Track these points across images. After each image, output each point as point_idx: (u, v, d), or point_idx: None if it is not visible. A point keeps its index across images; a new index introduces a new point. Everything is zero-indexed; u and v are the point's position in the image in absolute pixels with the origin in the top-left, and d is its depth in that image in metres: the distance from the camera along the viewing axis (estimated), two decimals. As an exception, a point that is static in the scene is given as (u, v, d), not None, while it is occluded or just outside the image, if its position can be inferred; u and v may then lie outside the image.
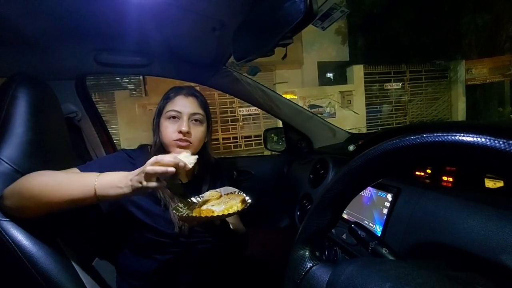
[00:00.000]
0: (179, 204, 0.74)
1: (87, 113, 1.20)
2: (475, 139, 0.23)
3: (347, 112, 6.74)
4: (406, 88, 7.20)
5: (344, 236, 0.70)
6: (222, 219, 0.74)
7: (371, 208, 0.64)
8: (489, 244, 0.38)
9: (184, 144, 0.83)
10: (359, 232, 0.46)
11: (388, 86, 7.08)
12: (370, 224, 0.63)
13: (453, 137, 0.24)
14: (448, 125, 0.26)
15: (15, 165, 0.68)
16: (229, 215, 0.67)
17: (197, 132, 0.86)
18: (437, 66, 7.34)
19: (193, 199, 0.78)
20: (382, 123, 7.16)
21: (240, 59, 0.68)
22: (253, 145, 6.67)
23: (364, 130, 6.49)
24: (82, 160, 1.09)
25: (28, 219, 0.63)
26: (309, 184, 1.03)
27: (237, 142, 6.67)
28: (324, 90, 6.86)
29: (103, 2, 0.77)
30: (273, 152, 1.67)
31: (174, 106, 0.85)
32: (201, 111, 0.88)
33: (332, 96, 6.68)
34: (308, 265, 0.41)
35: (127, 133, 5.69)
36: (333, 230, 0.74)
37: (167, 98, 0.88)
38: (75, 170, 0.73)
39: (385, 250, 0.42)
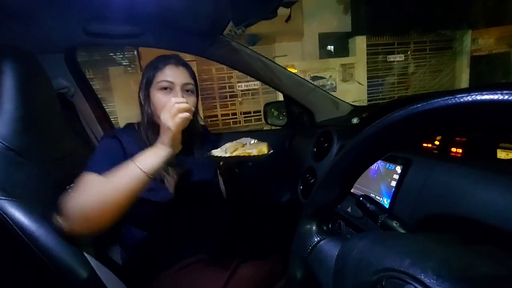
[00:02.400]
0: (209, 153, 0.81)
1: (79, 88, 1.15)
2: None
3: (348, 85, 6.61)
4: (409, 60, 7.01)
5: (349, 209, 0.69)
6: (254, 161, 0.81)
7: (378, 181, 0.62)
8: (508, 216, 0.36)
9: None
10: (368, 205, 0.44)
11: (391, 58, 6.89)
12: (377, 197, 0.62)
13: (481, 96, 0.21)
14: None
15: (7, 143, 0.66)
16: (262, 156, 0.78)
17: (190, 102, 0.83)
18: (442, 36, 7.09)
19: (216, 151, 0.82)
20: (383, 96, 7.05)
21: (239, 24, 0.62)
22: (253, 121, 6.62)
23: (365, 104, 6.41)
24: (79, 137, 1.06)
25: (26, 199, 0.61)
26: (312, 158, 1.01)
27: (236, 118, 6.61)
28: (325, 63, 6.68)
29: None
30: (273, 127, 1.64)
31: (166, 76, 0.81)
32: (191, 81, 0.85)
33: (333, 70, 6.52)
34: (316, 239, 0.39)
35: (124, 111, 5.61)
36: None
37: (155, 67, 0.83)
38: (89, 176, 0.68)
39: (396, 223, 0.40)
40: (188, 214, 0.87)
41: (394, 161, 0.60)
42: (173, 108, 0.69)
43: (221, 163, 0.93)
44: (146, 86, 0.84)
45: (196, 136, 0.97)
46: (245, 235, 0.85)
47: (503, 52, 7.00)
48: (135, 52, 6.19)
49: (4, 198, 0.59)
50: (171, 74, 0.82)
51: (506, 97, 0.20)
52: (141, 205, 0.78)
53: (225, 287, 0.72)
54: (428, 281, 0.21)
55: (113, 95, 5.88)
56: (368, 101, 6.84)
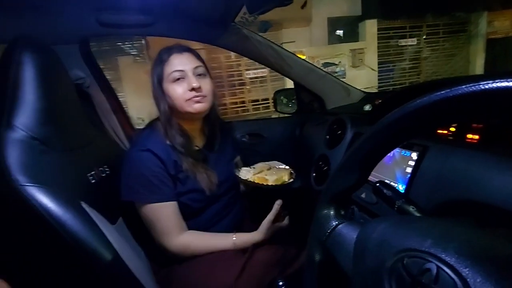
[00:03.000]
0: (239, 169, 0.96)
1: (94, 79, 1.17)
2: None
3: (358, 71, 6.46)
4: (422, 44, 6.77)
5: (363, 195, 0.70)
6: (266, 190, 0.90)
7: (393, 167, 0.63)
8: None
9: (198, 99, 0.82)
10: (385, 190, 0.45)
11: (402, 42, 6.66)
12: (392, 183, 0.62)
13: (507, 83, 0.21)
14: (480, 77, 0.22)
15: (31, 132, 0.68)
16: (280, 186, 0.87)
17: (206, 84, 0.85)
18: (456, 19, 6.79)
19: (247, 168, 0.97)
20: (394, 82, 6.87)
21: (254, 11, 0.62)
22: (261, 108, 6.58)
23: (375, 90, 6.28)
24: (96, 127, 1.10)
25: (52, 185, 0.64)
26: (325, 145, 1.01)
27: (245, 106, 6.59)
28: (334, 48, 6.52)
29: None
30: (281, 115, 1.64)
31: (174, 67, 0.82)
32: (200, 63, 0.86)
33: (343, 55, 6.37)
34: (334, 223, 0.41)
35: (135, 101, 5.64)
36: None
37: (161, 61, 0.84)
38: (190, 235, 0.86)
39: (413, 208, 0.41)
40: (211, 203, 0.91)
41: (409, 147, 0.60)
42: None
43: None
44: (158, 82, 0.85)
45: (215, 126, 0.98)
46: (259, 220, 0.88)
47: (521, 34, 6.70)
48: (143, 41, 6.18)
49: (32, 184, 0.62)
50: (179, 63, 0.82)
51: None
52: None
53: (243, 269, 0.75)
54: (449, 259, 0.23)
55: (122, 85, 5.91)
56: (379, 87, 6.68)
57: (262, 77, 6.50)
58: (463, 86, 0.24)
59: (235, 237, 0.84)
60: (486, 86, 0.22)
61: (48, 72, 0.75)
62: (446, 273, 0.22)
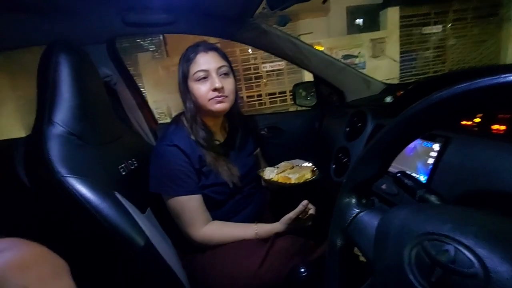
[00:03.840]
0: (263, 168, 1.02)
1: (121, 76, 1.23)
2: None
3: (378, 62, 6.25)
4: (447, 31, 6.42)
5: (384, 186, 0.71)
6: (289, 189, 0.96)
7: (415, 159, 0.63)
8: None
9: (220, 99, 0.85)
10: (406, 180, 0.46)
11: (427, 29, 6.34)
12: (412, 174, 0.62)
13: None
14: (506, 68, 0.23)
15: (69, 128, 0.74)
16: (302, 183, 0.91)
17: (229, 84, 0.87)
18: (486, 2, 6.36)
19: (271, 167, 1.02)
20: (417, 72, 6.59)
21: (275, 7, 0.63)
22: (278, 102, 6.56)
23: (396, 81, 6.06)
24: (123, 122, 1.16)
25: (89, 177, 0.70)
26: (345, 138, 1.02)
27: (261, 99, 6.59)
28: (353, 39, 6.33)
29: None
30: (299, 108, 1.64)
31: (199, 66, 0.85)
32: (225, 63, 0.88)
33: (362, 45, 6.17)
34: (355, 211, 0.42)
35: (154, 96, 5.81)
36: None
37: (187, 60, 0.87)
38: (211, 226, 0.90)
39: (434, 197, 0.42)
40: (233, 195, 0.95)
41: (431, 139, 0.60)
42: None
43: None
44: (183, 80, 0.88)
45: (237, 121, 1.02)
46: (280, 211, 0.91)
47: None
48: (161, 38, 6.30)
49: (71, 176, 0.68)
50: (203, 62, 0.85)
51: None
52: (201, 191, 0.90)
53: (265, 257, 0.79)
54: (467, 242, 0.24)
55: (142, 80, 6.09)
56: (401, 77, 6.44)
57: (279, 70, 6.46)
58: (485, 79, 0.25)
59: (256, 227, 0.88)
60: (508, 79, 0.23)
61: (82, 72, 0.80)
62: (464, 254, 0.24)
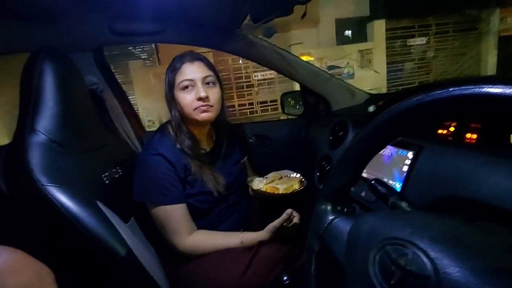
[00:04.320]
0: (251, 178, 1.03)
1: (107, 84, 1.23)
2: (503, 90, 0.22)
3: (366, 72, 6.42)
4: (431, 43, 6.68)
5: (363, 194, 0.73)
6: (277, 199, 0.95)
7: (391, 166, 0.65)
8: (508, 196, 0.39)
9: (205, 108, 0.86)
10: (379, 188, 0.48)
11: (411, 41, 6.59)
12: (389, 181, 0.65)
13: (480, 89, 0.24)
14: (472, 80, 0.25)
15: (51, 135, 0.73)
16: (290, 194, 0.92)
17: (214, 93, 0.88)
18: (467, 17, 6.66)
19: (259, 178, 1.03)
20: (403, 82, 6.80)
21: (257, 20, 0.66)
22: (269, 110, 6.61)
23: (384, 90, 6.22)
24: (109, 130, 1.15)
25: (70, 185, 0.69)
26: (328, 146, 1.04)
27: (253, 108, 6.63)
28: (342, 49, 6.50)
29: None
30: (289, 116, 1.67)
31: (185, 76, 0.86)
32: (211, 73, 0.89)
33: (351, 56, 6.34)
34: (330, 218, 0.44)
35: (145, 103, 5.77)
36: (352, 188, 0.77)
37: (173, 69, 0.88)
38: (198, 234, 0.90)
39: (405, 204, 0.44)
40: (218, 204, 0.95)
41: (406, 147, 0.62)
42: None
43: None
44: (169, 89, 0.89)
45: (223, 130, 1.03)
46: (265, 219, 0.91)
47: (536, 31, 6.53)
48: (153, 45, 6.30)
49: (52, 184, 0.68)
50: (189, 72, 0.86)
51: (497, 90, 0.23)
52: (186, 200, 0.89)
53: (249, 265, 0.79)
54: (423, 245, 0.26)
55: (133, 88, 6.05)
56: (388, 87, 6.62)
57: (270, 79, 6.54)
58: (436, 92, 0.27)
59: (242, 235, 0.88)
60: (454, 93, 0.25)
61: (66, 80, 0.80)
62: (420, 257, 0.25)
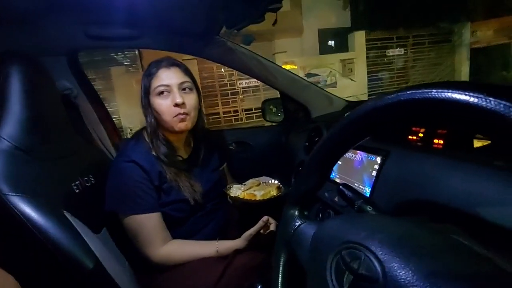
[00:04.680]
0: (230, 185, 1.02)
1: (82, 89, 1.19)
2: (447, 94, 0.23)
3: (348, 80, 6.61)
4: (408, 54, 6.99)
5: (336, 199, 0.73)
6: (255, 206, 0.94)
7: (362, 171, 0.67)
8: (468, 199, 0.40)
9: (182, 117, 0.85)
10: (346, 192, 0.48)
11: (390, 52, 6.88)
12: (360, 186, 0.66)
13: (425, 94, 0.24)
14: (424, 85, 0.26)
15: (15, 142, 0.70)
16: (267, 200, 0.92)
17: (191, 100, 0.87)
18: (441, 30, 7.06)
19: (238, 184, 1.02)
20: (383, 90, 7.05)
21: (231, 27, 0.66)
22: (254, 117, 6.65)
23: (365, 98, 6.41)
24: (82, 137, 1.11)
25: (35, 195, 0.66)
26: (305, 152, 1.05)
27: (238, 115, 6.65)
28: (324, 58, 6.69)
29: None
30: (271, 123, 1.68)
31: (160, 81, 0.84)
32: (187, 79, 0.88)
33: (333, 65, 6.52)
34: (297, 223, 0.44)
35: (126, 110, 5.67)
36: (326, 194, 0.77)
37: (149, 74, 0.87)
38: (173, 244, 0.87)
39: (369, 207, 0.44)
40: (195, 212, 0.93)
41: (375, 152, 0.64)
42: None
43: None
44: (145, 94, 0.88)
45: (201, 137, 1.01)
46: (243, 226, 0.90)
47: (503, 43, 6.96)
48: (137, 52, 6.23)
49: (14, 194, 0.64)
50: (165, 77, 0.85)
51: (444, 95, 0.24)
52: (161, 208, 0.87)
53: (223, 274, 0.77)
54: (374, 248, 0.26)
55: (115, 95, 5.93)
56: (369, 95, 6.83)
57: (255, 86, 6.60)
58: (387, 97, 0.27)
59: (217, 244, 0.86)
60: (401, 98, 0.26)
61: (34, 84, 0.77)
62: (370, 259, 0.25)
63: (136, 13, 0.99)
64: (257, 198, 0.93)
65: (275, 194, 0.95)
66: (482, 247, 0.29)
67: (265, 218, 0.85)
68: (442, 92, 0.22)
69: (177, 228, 0.90)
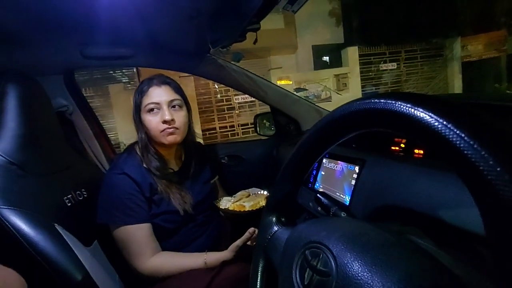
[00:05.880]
0: (220, 198, 1.04)
1: (78, 106, 1.23)
2: (383, 102, 0.26)
3: (343, 94, 6.73)
4: (401, 68, 7.17)
5: (319, 208, 0.75)
6: (244, 217, 0.96)
7: (342, 181, 0.69)
8: (430, 203, 0.43)
9: (171, 130, 0.88)
10: (323, 200, 0.51)
11: (383, 66, 7.05)
12: (341, 195, 0.68)
13: (366, 105, 0.27)
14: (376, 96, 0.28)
15: (10, 157, 0.73)
16: (257, 210, 0.93)
17: (180, 117, 0.90)
18: (432, 45, 7.28)
19: (228, 197, 1.04)
20: (378, 104, 7.15)
21: (215, 46, 0.71)
22: (250, 132, 6.70)
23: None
24: (77, 152, 1.14)
25: (26, 208, 0.68)
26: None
27: (234, 130, 6.70)
28: (319, 74, 6.84)
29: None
30: (263, 137, 1.71)
31: (151, 99, 0.88)
32: (177, 96, 0.91)
33: (327, 80, 6.65)
34: (274, 229, 0.46)
35: (124, 126, 5.71)
36: (310, 203, 0.79)
37: (140, 92, 0.90)
38: (160, 256, 0.88)
39: (343, 214, 0.47)
40: (185, 224, 0.94)
41: (354, 162, 0.67)
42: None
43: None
44: (136, 111, 0.91)
45: (192, 151, 1.04)
46: (233, 237, 0.91)
47: (494, 57, 7.16)
48: (135, 70, 6.36)
49: (6, 207, 0.66)
50: (155, 95, 0.88)
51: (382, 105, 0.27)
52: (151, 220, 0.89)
53: (210, 285, 0.78)
54: (331, 246, 0.28)
55: (112, 111, 5.99)
56: (364, 109, 6.92)
57: (251, 101, 6.70)
58: (342, 107, 0.31)
59: (206, 256, 0.87)
60: (359, 107, 0.29)
61: (30, 102, 0.80)
62: (327, 256, 0.28)
63: (130, 33, 1.04)
64: (247, 209, 0.94)
65: (264, 205, 0.96)
66: (435, 246, 0.32)
67: (251, 229, 0.86)
68: (379, 101, 0.25)
69: (168, 240, 0.91)
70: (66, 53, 1.09)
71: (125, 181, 0.85)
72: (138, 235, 0.84)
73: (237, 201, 1.00)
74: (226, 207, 0.98)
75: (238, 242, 0.85)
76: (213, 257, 0.86)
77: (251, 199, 1.00)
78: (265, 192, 1.08)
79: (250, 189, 1.12)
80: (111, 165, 0.97)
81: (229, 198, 1.04)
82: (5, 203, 0.66)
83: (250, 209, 0.95)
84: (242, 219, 1.03)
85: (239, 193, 1.08)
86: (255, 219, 0.98)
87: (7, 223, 0.65)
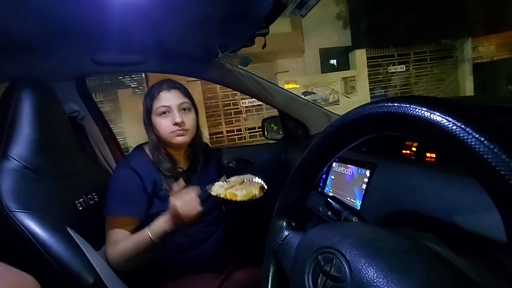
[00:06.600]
0: (211, 184, 0.95)
1: (89, 111, 1.25)
2: (395, 106, 0.26)
3: (351, 97, 6.68)
4: (410, 70, 7.07)
5: (329, 213, 0.74)
6: (235, 206, 0.90)
7: (353, 185, 0.68)
8: (444, 207, 0.42)
9: (181, 132, 0.90)
10: (333, 204, 0.50)
11: (392, 69, 6.97)
12: (351, 199, 0.67)
13: (379, 109, 0.27)
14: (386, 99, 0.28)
15: (25, 162, 0.75)
16: (249, 200, 0.87)
17: (189, 119, 0.92)
18: (442, 46, 7.16)
19: (221, 182, 0.96)
20: (387, 107, 7.07)
21: (224, 51, 0.71)
22: (257, 136, 6.71)
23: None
24: (88, 156, 1.16)
25: (40, 211, 0.70)
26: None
27: (241, 134, 6.72)
28: (326, 77, 6.81)
29: (95, 4, 0.81)
30: (271, 141, 1.71)
31: (161, 102, 0.90)
32: (186, 100, 0.93)
33: (335, 83, 6.62)
34: (285, 234, 0.45)
35: (132, 130, 5.80)
36: (320, 208, 0.79)
37: (151, 96, 0.92)
38: (120, 221, 0.85)
39: (355, 218, 0.46)
40: (192, 226, 0.94)
41: (365, 166, 0.66)
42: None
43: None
44: (147, 114, 0.93)
45: (199, 149, 1.05)
46: (242, 242, 0.91)
47: (506, 58, 7.01)
48: (143, 75, 6.46)
49: (21, 210, 0.68)
50: (166, 99, 0.90)
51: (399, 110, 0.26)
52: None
53: None
54: (344, 251, 0.28)
55: (122, 116, 6.09)
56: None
57: (258, 105, 6.71)
58: (351, 112, 0.30)
59: (148, 229, 0.82)
60: (371, 111, 0.29)
61: (44, 108, 0.82)
62: (340, 261, 0.27)
63: (140, 40, 1.06)
64: (238, 199, 0.89)
65: (257, 195, 0.91)
66: (452, 252, 0.31)
67: (174, 186, 0.81)
68: (392, 105, 0.25)
69: (174, 238, 0.90)
70: (78, 60, 1.12)
71: (130, 175, 0.87)
72: (123, 228, 0.84)
73: (229, 189, 0.94)
74: (218, 194, 0.92)
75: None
76: (154, 228, 0.81)
77: (244, 187, 0.93)
78: (260, 181, 1.01)
79: (244, 175, 1.06)
80: (121, 161, 0.99)
81: (222, 183, 0.97)
82: (19, 207, 0.68)
83: (242, 199, 0.88)
84: (236, 206, 1.00)
85: (233, 178, 1.01)
86: (248, 206, 0.95)
87: (21, 226, 0.66)
